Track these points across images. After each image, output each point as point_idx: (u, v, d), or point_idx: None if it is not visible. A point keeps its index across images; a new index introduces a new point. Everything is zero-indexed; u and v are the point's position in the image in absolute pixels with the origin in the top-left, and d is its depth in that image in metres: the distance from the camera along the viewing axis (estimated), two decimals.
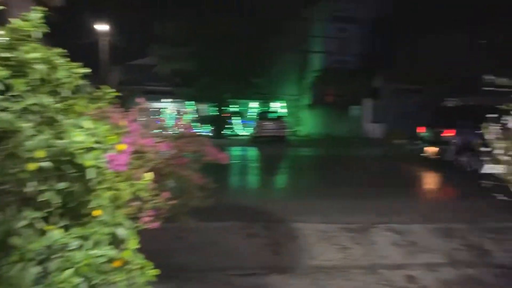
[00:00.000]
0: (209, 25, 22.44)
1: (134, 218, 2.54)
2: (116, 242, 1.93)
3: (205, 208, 3.61)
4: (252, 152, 19.09)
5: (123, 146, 2.16)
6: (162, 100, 26.95)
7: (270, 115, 25.58)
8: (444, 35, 22.46)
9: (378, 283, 4.16)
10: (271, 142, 22.22)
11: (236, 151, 18.63)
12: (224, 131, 26.81)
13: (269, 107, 29.74)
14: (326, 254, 4.83)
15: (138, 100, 3.50)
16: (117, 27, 27.34)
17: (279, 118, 25.16)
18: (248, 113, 28.82)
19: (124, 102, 3.11)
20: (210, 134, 24.14)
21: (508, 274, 4.41)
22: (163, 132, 3.71)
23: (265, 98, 29.76)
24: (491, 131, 3.74)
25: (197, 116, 26.62)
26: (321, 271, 4.39)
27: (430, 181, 10.92)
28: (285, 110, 30.28)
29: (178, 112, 25.57)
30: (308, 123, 30.56)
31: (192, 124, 5.08)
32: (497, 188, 3.87)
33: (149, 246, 2.24)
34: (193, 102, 27.38)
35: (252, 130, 24.61)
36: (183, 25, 23.65)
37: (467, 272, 4.42)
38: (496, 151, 3.70)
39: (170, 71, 25.41)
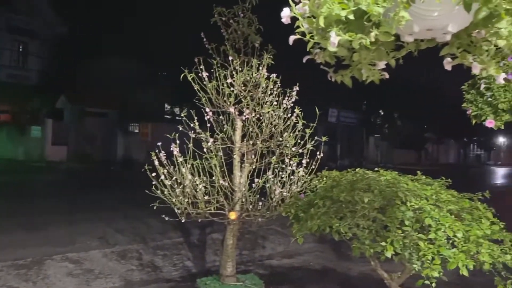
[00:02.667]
0: None
1: None
2: None
3: None
4: None
5: None
6: None
7: None
8: (126, 61, 23.02)
9: None
10: None
11: None
12: None
13: None
14: None
15: None
16: None
17: None
18: None
19: None
20: None
21: (175, 287, 4.91)
22: None
23: None
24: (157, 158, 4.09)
25: None
26: None
27: (109, 202, 10.79)
28: None
29: None
30: None
31: None
32: (165, 209, 4.25)
33: None
34: None
35: None
36: None
37: None
38: (161, 176, 4.08)
39: None
